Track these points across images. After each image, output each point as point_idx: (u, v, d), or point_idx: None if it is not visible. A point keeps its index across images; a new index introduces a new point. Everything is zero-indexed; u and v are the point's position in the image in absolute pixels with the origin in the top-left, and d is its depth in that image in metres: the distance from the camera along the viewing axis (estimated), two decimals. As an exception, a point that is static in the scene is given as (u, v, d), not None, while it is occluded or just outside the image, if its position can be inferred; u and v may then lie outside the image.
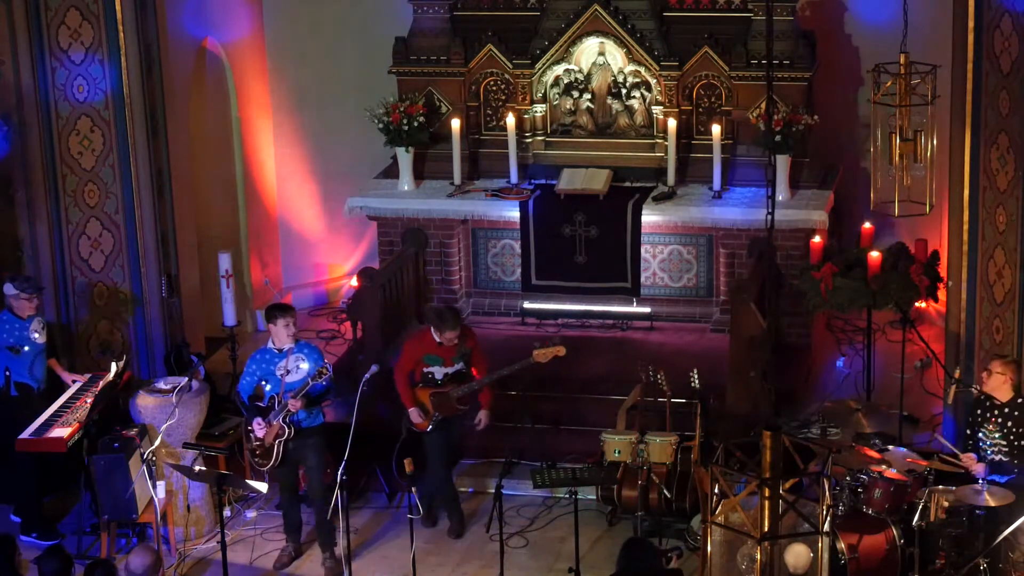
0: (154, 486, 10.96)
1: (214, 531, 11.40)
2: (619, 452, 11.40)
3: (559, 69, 14.09)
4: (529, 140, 14.15)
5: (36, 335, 11.63)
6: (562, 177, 13.84)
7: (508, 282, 14.38)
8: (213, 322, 13.49)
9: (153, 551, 9.42)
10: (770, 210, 6.24)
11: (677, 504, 11.35)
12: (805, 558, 6.20)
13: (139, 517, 11.11)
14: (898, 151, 9.62)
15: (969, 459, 10.19)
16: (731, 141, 13.79)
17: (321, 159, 15.41)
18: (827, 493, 6.06)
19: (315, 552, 11.32)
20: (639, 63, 13.85)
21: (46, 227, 12.48)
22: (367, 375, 10.88)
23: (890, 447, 10.63)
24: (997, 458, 10.20)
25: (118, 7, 12.31)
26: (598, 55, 14.03)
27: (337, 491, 10.44)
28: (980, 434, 10.35)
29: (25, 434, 11.14)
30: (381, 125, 13.97)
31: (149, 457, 10.95)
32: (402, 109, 13.92)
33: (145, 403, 11.40)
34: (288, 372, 10.98)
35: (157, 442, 11.07)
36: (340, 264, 15.78)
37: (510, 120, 13.92)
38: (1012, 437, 10.22)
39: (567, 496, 10.78)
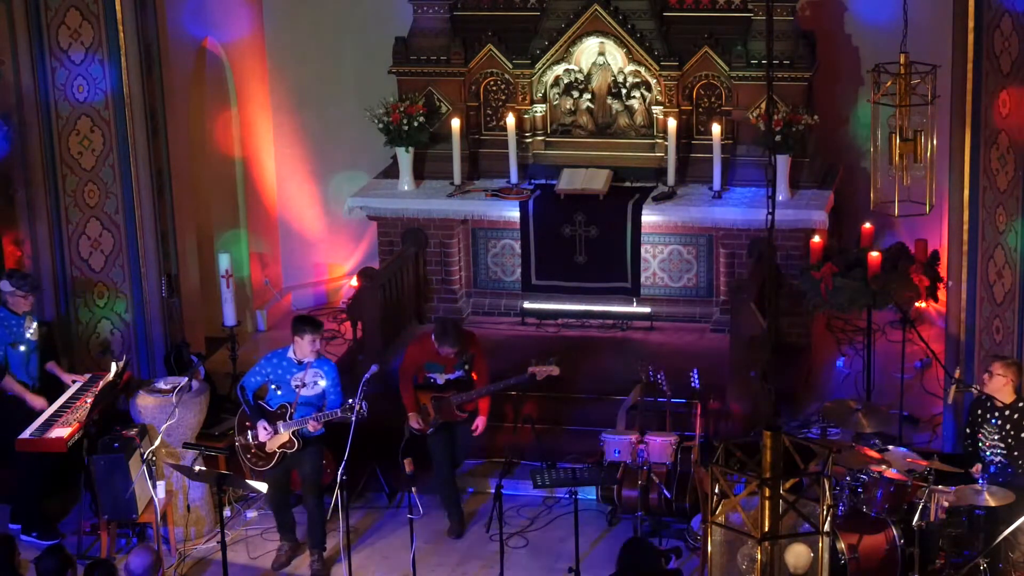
0: (154, 486, 10.96)
1: (214, 531, 11.41)
2: (619, 452, 11.40)
3: (559, 69, 14.09)
4: (529, 140, 14.15)
5: (29, 332, 11.64)
6: (562, 177, 13.85)
7: (508, 282, 14.39)
8: (213, 322, 13.49)
9: (153, 551, 9.42)
10: (770, 210, 6.24)
11: (677, 504, 11.35)
12: (806, 558, 6.19)
13: (139, 517, 11.11)
14: (898, 151, 9.62)
15: (977, 471, 10.18)
16: (731, 141, 13.80)
17: (321, 159, 15.41)
18: (827, 493, 6.05)
19: (329, 554, 11.34)
20: (639, 63, 13.86)
21: (46, 227, 12.48)
22: (367, 375, 10.88)
23: (890, 447, 10.63)
24: (996, 459, 10.19)
25: (118, 7, 12.31)
26: (598, 55, 14.03)
27: (337, 491, 10.44)
28: (980, 435, 10.35)
29: (25, 434, 11.14)
30: (381, 125, 13.97)
31: (149, 457, 10.95)
32: (402, 109, 13.92)
33: (145, 403, 11.40)
34: (304, 385, 10.98)
35: (157, 442, 11.07)
36: (340, 264, 15.79)
37: (510, 120, 13.92)
38: (1010, 440, 10.21)
39: (567, 496, 10.78)
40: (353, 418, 10.72)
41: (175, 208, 13.08)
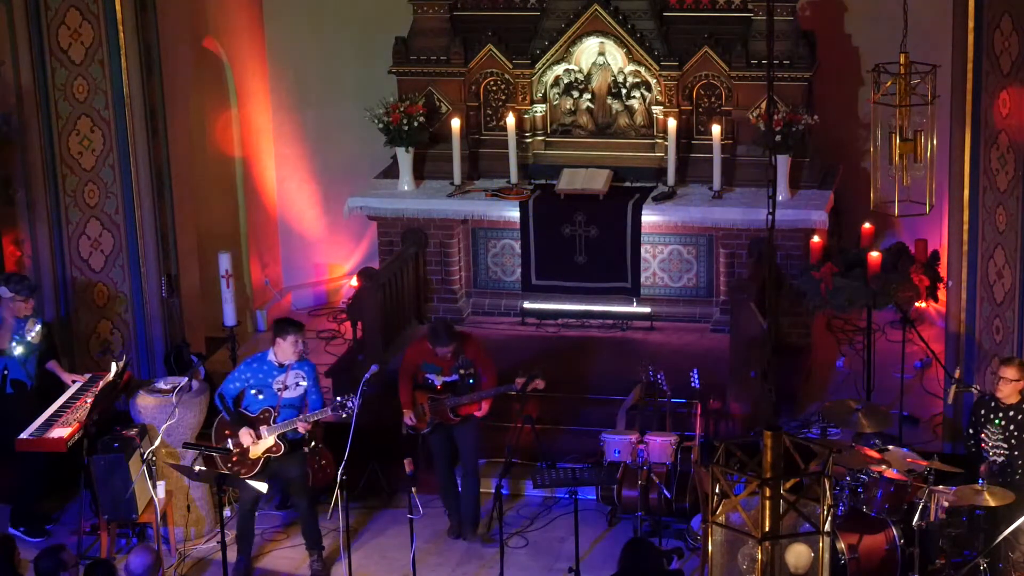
0: (154, 486, 10.95)
1: (214, 531, 11.41)
2: (619, 452, 11.40)
3: (559, 69, 14.09)
4: (529, 140, 14.16)
5: (31, 335, 11.62)
6: (562, 177, 13.85)
7: (508, 282, 14.39)
8: (213, 322, 13.49)
9: (153, 551, 9.42)
10: (771, 210, 6.23)
11: (677, 504, 11.35)
12: (806, 558, 6.19)
13: (139, 517, 11.11)
14: (898, 151, 9.62)
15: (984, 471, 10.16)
16: (731, 141, 13.80)
17: (321, 159, 15.41)
18: (828, 493, 6.05)
19: (326, 549, 11.36)
20: (639, 63, 13.86)
21: (46, 227, 12.48)
22: (367, 375, 10.88)
23: (890, 447, 10.63)
24: (999, 459, 10.19)
25: (118, 7, 12.31)
26: (598, 55, 14.03)
27: (337, 491, 10.44)
28: (983, 435, 10.34)
29: (25, 434, 11.14)
30: (381, 125, 13.97)
31: (149, 457, 10.94)
32: (402, 109, 13.92)
33: (145, 403, 11.41)
34: (286, 388, 10.95)
35: (157, 442, 11.07)
36: (340, 264, 15.79)
37: (510, 120, 13.92)
38: (1013, 440, 10.21)
39: (567, 496, 10.78)
40: (344, 415, 10.72)
41: (175, 208, 13.08)
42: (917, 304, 12.90)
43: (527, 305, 14.16)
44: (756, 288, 12.62)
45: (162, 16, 12.76)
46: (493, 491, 11.06)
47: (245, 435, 10.87)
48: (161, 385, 11.57)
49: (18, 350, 11.56)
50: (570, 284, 13.84)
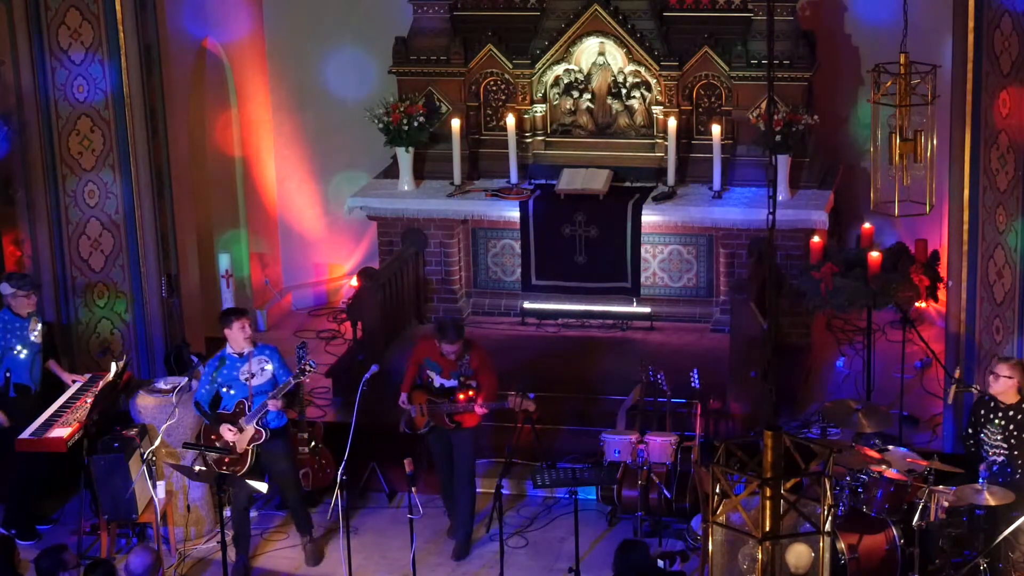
0: (154, 486, 10.96)
1: (214, 531, 11.41)
2: (619, 452, 11.40)
3: (559, 69, 14.09)
4: (529, 140, 14.16)
5: (34, 335, 11.63)
6: (562, 177, 13.85)
7: (508, 282, 14.39)
8: (213, 322, 13.48)
9: (153, 551, 9.42)
10: (771, 210, 6.23)
11: (677, 504, 11.35)
12: (807, 558, 6.19)
13: (139, 517, 11.11)
14: (898, 151, 9.62)
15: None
16: (731, 141, 13.80)
17: (321, 159, 15.41)
18: (828, 493, 6.04)
19: (326, 550, 11.40)
20: (639, 63, 13.86)
21: (46, 227, 12.48)
22: (367, 375, 10.88)
23: (890, 447, 10.63)
24: (999, 459, 10.19)
25: (118, 7, 12.31)
26: (598, 55, 14.03)
27: (337, 491, 10.44)
28: (982, 435, 10.35)
29: (25, 434, 11.14)
30: (381, 125, 13.97)
31: (149, 457, 10.94)
32: (402, 109, 13.92)
33: (145, 403, 11.41)
34: (253, 376, 10.94)
35: (157, 442, 11.07)
36: (340, 264, 15.79)
37: (510, 120, 13.92)
38: (1012, 440, 10.21)
39: (567, 496, 10.77)
40: (306, 378, 10.78)
41: (175, 208, 13.08)
42: (917, 304, 12.89)
43: (527, 305, 14.16)
44: (756, 288, 12.62)
45: (162, 16, 12.76)
46: (493, 491, 11.06)
47: (225, 431, 10.91)
48: (161, 385, 11.57)
49: (23, 353, 11.55)
50: (570, 284, 13.84)
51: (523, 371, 12.76)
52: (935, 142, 9.75)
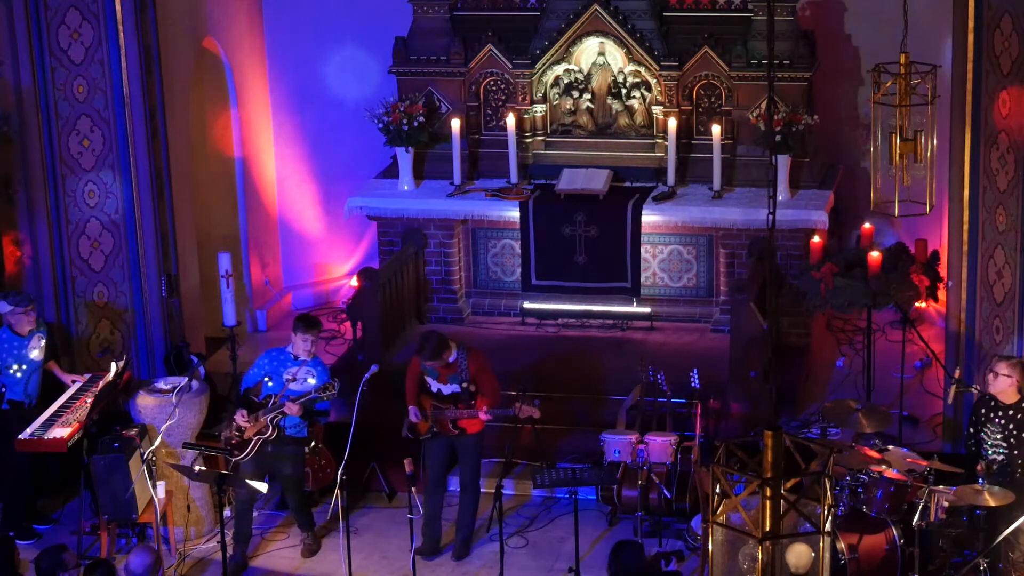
0: (154, 486, 10.96)
1: (214, 531, 11.41)
2: (619, 452, 11.39)
3: (559, 69, 14.09)
4: (529, 140, 14.16)
5: (35, 352, 11.58)
6: (562, 177, 13.85)
7: (508, 282, 14.38)
8: (213, 322, 13.49)
9: (153, 551, 9.41)
10: (771, 210, 6.23)
11: (677, 504, 11.35)
12: (807, 558, 6.20)
13: (139, 517, 11.11)
14: (898, 151, 9.62)
15: (981, 470, 10.17)
16: (731, 141, 13.80)
17: (321, 159, 15.41)
18: (828, 493, 6.05)
19: (326, 549, 11.40)
20: (639, 63, 13.86)
21: (46, 227, 12.48)
22: (367, 375, 10.88)
23: (890, 447, 10.63)
24: (999, 458, 10.19)
25: (118, 7, 12.31)
26: (598, 55, 14.03)
27: (337, 491, 10.44)
28: (982, 434, 10.35)
29: (25, 434, 11.13)
30: (381, 125, 13.97)
31: (149, 457, 10.95)
32: (402, 109, 13.92)
33: (145, 403, 11.40)
34: (295, 380, 11.06)
35: (157, 442, 11.08)
36: (340, 264, 15.79)
37: (510, 120, 13.92)
38: (1012, 439, 10.22)
39: (567, 496, 10.77)
40: (326, 403, 10.94)
41: (175, 208, 13.08)
42: (917, 304, 12.90)
43: (527, 305, 14.16)
44: (756, 288, 12.62)
45: (162, 16, 12.76)
46: (494, 491, 11.05)
47: (239, 415, 11.03)
48: (161, 385, 11.57)
49: (19, 372, 11.51)
50: (570, 284, 13.84)
51: (523, 371, 12.78)
52: (935, 142, 9.75)
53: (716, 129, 13.55)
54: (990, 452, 10.26)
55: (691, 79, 13.80)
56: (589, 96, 14.12)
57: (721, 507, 6.11)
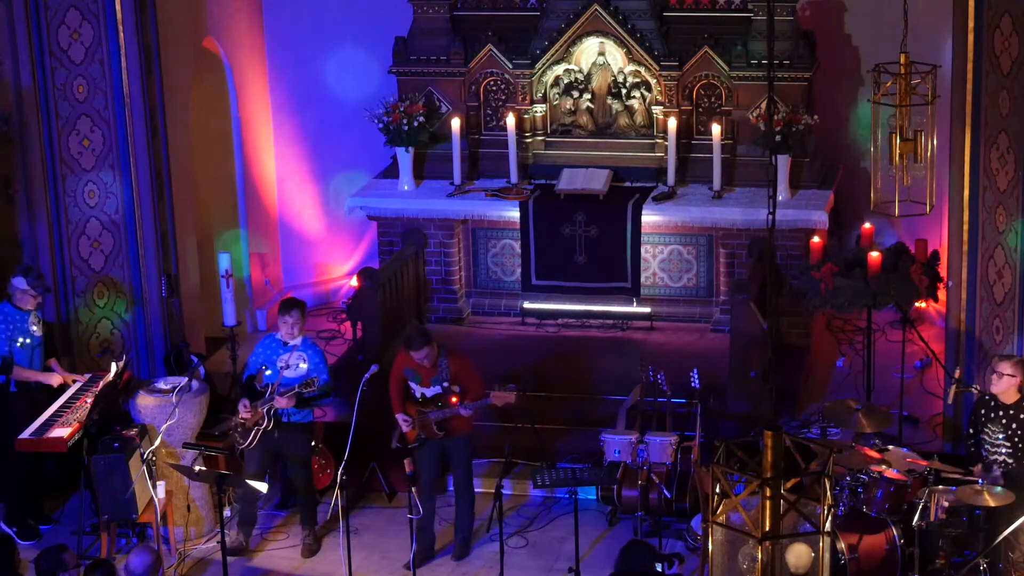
0: (154, 486, 10.96)
1: (214, 531, 11.41)
2: (619, 452, 11.39)
3: (559, 69, 14.09)
4: (529, 140, 14.16)
5: (34, 327, 11.64)
6: (562, 177, 13.85)
7: (508, 282, 14.38)
8: (213, 322, 13.49)
9: (153, 551, 9.41)
10: (771, 210, 6.24)
11: (677, 504, 11.35)
12: (807, 558, 6.20)
13: (139, 517, 11.11)
14: (898, 151, 9.62)
15: (978, 471, 10.16)
16: (731, 141, 13.80)
17: (321, 159, 15.41)
18: (828, 493, 6.05)
19: (326, 549, 11.40)
20: (639, 63, 13.86)
21: (46, 227, 12.48)
22: (367, 375, 10.87)
23: (890, 447, 10.63)
24: (1000, 459, 10.19)
25: (118, 7, 12.31)
26: (598, 55, 14.03)
27: (337, 491, 10.44)
28: (983, 435, 10.34)
29: (25, 434, 11.14)
30: (381, 125, 13.98)
31: (149, 457, 10.95)
32: (402, 109, 13.92)
33: (145, 403, 11.40)
34: (288, 367, 11.08)
35: (157, 442, 11.08)
36: (340, 264, 15.79)
37: (510, 120, 13.92)
38: (1016, 439, 10.21)
39: (567, 496, 10.77)
40: (314, 392, 10.94)
41: (175, 208, 13.08)
42: (917, 304, 12.89)
43: (527, 305, 14.16)
44: (756, 288, 12.62)
45: (162, 16, 12.75)
46: (493, 491, 11.05)
47: (241, 407, 11.09)
48: (161, 385, 11.57)
49: (25, 344, 11.54)
50: (570, 284, 13.85)
51: (523, 371, 12.78)
52: (935, 142, 9.75)
53: (716, 129, 13.55)
54: (990, 453, 10.25)
55: (691, 79, 13.81)
56: (589, 96, 14.12)
57: (721, 507, 6.11)
